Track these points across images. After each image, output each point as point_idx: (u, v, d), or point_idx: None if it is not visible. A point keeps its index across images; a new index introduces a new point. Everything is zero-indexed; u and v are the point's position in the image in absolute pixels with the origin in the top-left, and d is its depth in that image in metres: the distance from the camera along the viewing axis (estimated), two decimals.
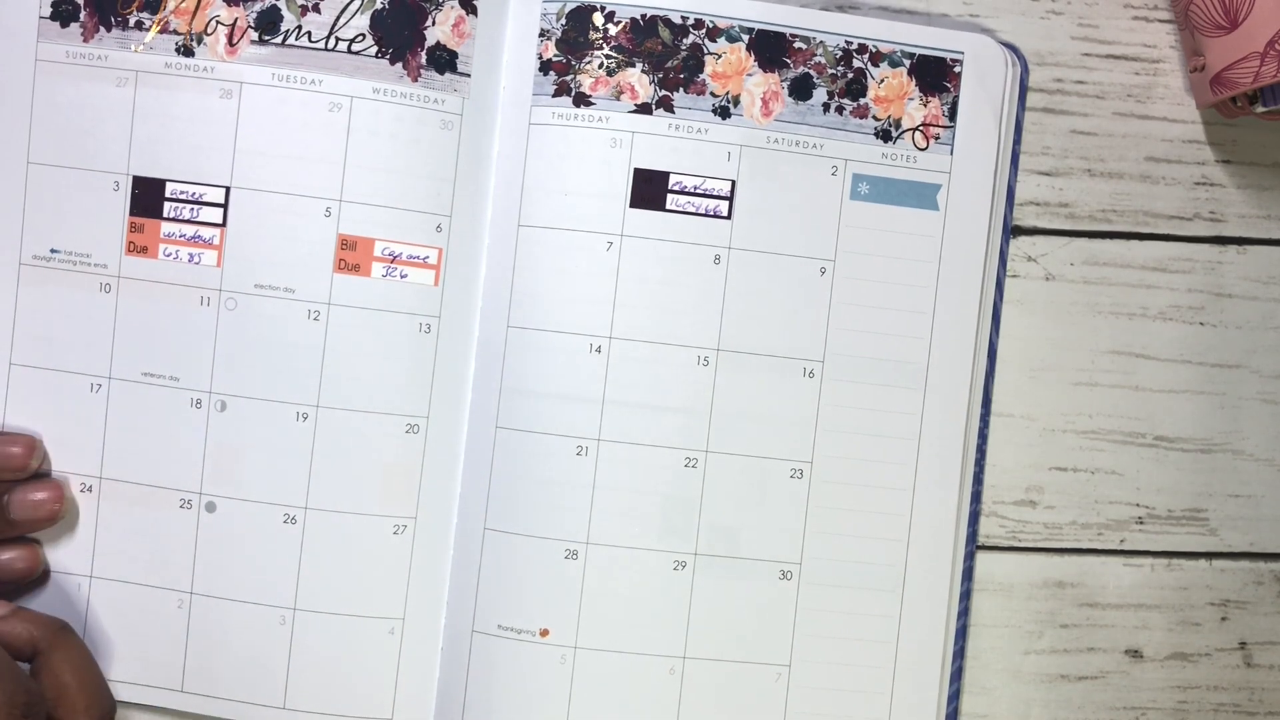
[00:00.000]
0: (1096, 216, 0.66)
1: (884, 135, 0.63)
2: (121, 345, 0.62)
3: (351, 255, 0.61)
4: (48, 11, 0.62)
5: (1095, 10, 0.66)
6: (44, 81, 0.62)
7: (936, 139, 0.63)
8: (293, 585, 0.62)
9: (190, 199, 0.62)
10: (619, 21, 0.62)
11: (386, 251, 0.61)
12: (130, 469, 0.63)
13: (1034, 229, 0.66)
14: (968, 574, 0.65)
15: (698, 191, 0.63)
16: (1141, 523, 0.67)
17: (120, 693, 0.63)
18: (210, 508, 0.62)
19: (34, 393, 0.63)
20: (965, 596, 0.65)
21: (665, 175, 0.63)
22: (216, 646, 0.63)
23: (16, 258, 0.63)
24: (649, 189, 0.63)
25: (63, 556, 0.63)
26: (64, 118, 0.62)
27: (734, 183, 0.63)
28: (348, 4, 0.61)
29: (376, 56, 0.61)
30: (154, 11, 0.61)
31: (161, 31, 0.62)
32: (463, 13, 0.62)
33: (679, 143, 0.63)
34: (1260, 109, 0.63)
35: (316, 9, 0.61)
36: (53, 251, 0.63)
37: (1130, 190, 0.66)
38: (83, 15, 0.62)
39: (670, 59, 0.63)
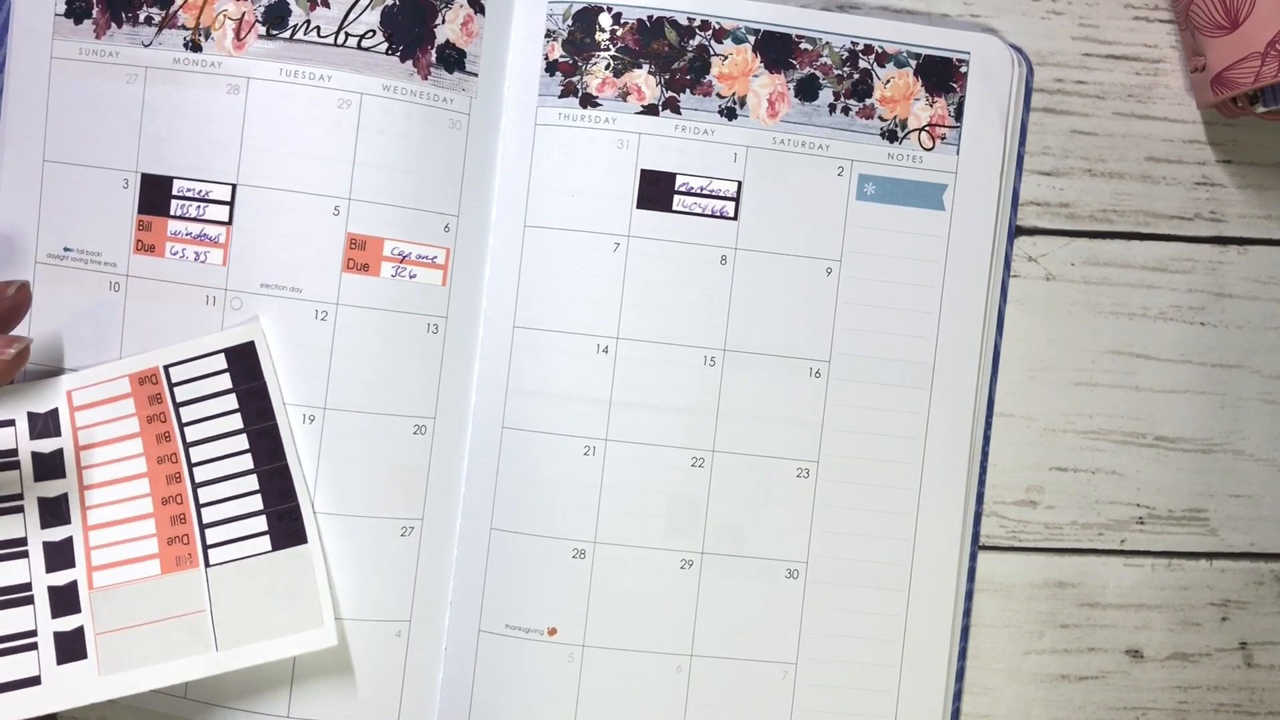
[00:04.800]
0: (1097, 216, 0.66)
1: (890, 135, 0.64)
2: (130, 345, 0.62)
3: (360, 255, 0.61)
4: (62, 9, 0.62)
5: (1096, 10, 0.66)
6: (58, 80, 0.62)
7: (942, 139, 0.64)
8: None
9: (197, 197, 0.61)
10: (625, 22, 0.62)
11: (396, 251, 0.61)
12: None
13: (1034, 229, 0.66)
14: (971, 574, 0.65)
15: (704, 192, 0.63)
16: (1142, 523, 0.67)
17: (125, 698, 0.63)
18: None
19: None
20: (968, 596, 0.65)
21: (672, 176, 0.63)
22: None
23: (32, 257, 0.62)
24: (655, 190, 0.63)
25: None
26: (77, 116, 0.62)
27: (740, 183, 0.63)
28: None
29: (387, 53, 0.61)
30: (164, 6, 0.61)
31: (170, 26, 0.61)
32: (471, 11, 0.62)
33: (685, 144, 0.63)
34: (1261, 109, 0.64)
35: (325, 3, 0.61)
36: (66, 250, 0.62)
37: (1131, 190, 0.66)
38: (95, 12, 0.62)
39: (676, 60, 0.63)
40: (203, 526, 0.59)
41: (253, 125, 0.61)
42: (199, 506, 0.59)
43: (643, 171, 0.63)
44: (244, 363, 0.60)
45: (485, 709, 0.63)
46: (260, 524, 0.59)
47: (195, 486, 0.59)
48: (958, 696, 0.65)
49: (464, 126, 0.62)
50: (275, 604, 0.58)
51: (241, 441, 0.60)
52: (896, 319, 0.64)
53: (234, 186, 0.61)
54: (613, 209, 0.63)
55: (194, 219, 0.61)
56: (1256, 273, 0.67)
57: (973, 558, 0.65)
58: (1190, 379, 0.67)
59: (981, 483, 0.66)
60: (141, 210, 0.62)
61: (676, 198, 0.63)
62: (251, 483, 0.59)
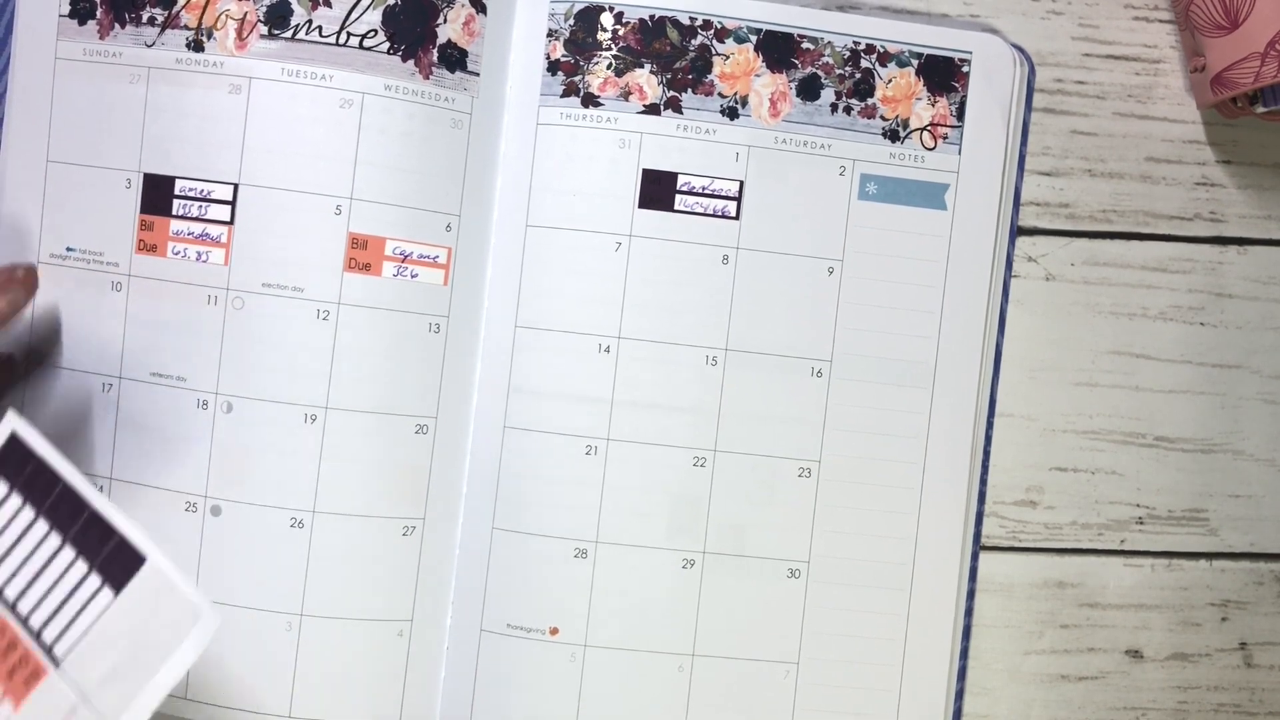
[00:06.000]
0: (1097, 217, 0.66)
1: (892, 135, 0.64)
2: (131, 345, 0.62)
3: (362, 254, 0.61)
4: (66, 10, 0.62)
5: (1096, 10, 0.66)
6: (63, 80, 0.62)
7: (944, 139, 0.64)
8: (300, 590, 0.61)
9: (199, 196, 0.61)
10: (627, 22, 0.62)
11: (398, 251, 0.61)
12: (136, 471, 0.62)
13: (1034, 229, 0.66)
14: (972, 573, 0.65)
15: (706, 192, 0.63)
16: (1142, 523, 0.67)
17: None
18: (215, 511, 0.61)
19: (50, 393, 0.62)
20: (970, 596, 0.65)
21: (673, 176, 0.63)
22: (221, 653, 0.62)
23: (35, 257, 0.62)
24: (657, 189, 0.63)
25: None
26: (81, 116, 0.62)
27: (742, 183, 0.63)
28: None
29: (388, 53, 0.61)
30: (166, 7, 0.61)
31: (172, 26, 0.61)
32: (473, 11, 0.62)
33: (687, 143, 0.63)
34: (1261, 109, 0.64)
35: (327, 3, 0.60)
36: (68, 250, 0.62)
37: (1130, 190, 0.67)
38: (99, 12, 0.62)
39: (678, 60, 0.63)
40: (36, 634, 0.52)
41: (255, 125, 0.61)
42: (24, 620, 0.52)
43: (644, 171, 0.63)
44: (13, 457, 0.54)
45: (487, 709, 0.63)
46: (93, 582, 0.52)
47: (11, 606, 0.53)
48: (959, 696, 0.65)
49: (466, 126, 0.62)
50: (146, 634, 0.51)
51: (41, 527, 0.53)
52: (898, 319, 0.64)
53: (236, 186, 0.61)
54: (614, 208, 0.63)
55: (196, 219, 0.61)
56: (1256, 273, 0.67)
57: (974, 557, 0.65)
58: (1190, 379, 0.67)
59: (983, 482, 0.66)
60: (144, 210, 0.61)
61: (678, 197, 0.63)
62: (68, 554, 0.52)
